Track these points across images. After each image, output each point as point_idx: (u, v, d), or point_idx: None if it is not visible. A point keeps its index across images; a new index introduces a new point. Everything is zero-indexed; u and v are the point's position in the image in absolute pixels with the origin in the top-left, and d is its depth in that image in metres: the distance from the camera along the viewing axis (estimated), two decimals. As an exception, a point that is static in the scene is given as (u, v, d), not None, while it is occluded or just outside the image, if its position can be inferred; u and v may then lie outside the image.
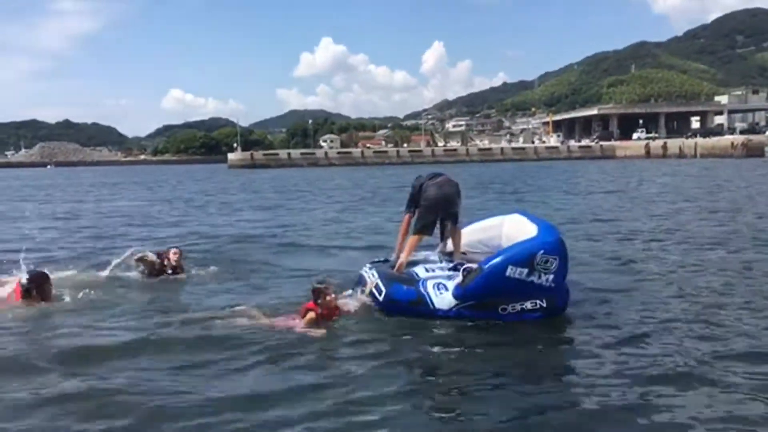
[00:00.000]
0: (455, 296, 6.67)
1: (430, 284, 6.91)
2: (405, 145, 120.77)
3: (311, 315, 6.69)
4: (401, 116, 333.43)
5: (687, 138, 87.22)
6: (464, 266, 6.95)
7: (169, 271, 9.17)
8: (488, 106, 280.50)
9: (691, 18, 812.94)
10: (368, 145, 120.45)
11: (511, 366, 5.63)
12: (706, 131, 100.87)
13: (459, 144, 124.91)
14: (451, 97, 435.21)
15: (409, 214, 7.98)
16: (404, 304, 6.91)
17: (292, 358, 5.76)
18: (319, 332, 6.46)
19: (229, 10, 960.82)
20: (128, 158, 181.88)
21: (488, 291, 6.54)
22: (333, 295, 6.87)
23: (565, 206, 21.04)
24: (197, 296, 8.32)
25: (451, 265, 7.51)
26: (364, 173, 59.70)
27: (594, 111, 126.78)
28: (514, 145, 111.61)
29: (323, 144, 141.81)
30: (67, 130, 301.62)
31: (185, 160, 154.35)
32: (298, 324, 6.66)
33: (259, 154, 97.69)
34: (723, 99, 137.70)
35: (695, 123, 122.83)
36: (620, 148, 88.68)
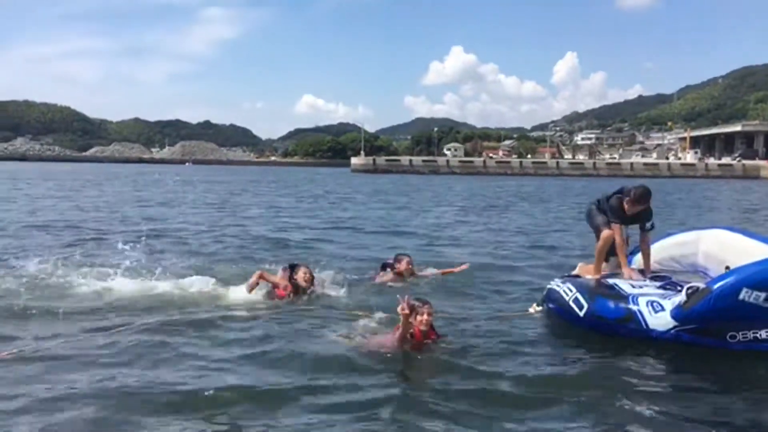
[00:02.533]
0: (675, 317, 5.97)
1: (642, 301, 6.29)
2: (529, 156, 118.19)
3: (401, 332, 6.01)
4: (528, 127, 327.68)
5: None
6: (689, 285, 6.09)
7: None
8: (621, 120, 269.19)
9: None
10: (491, 155, 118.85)
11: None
12: None
13: (586, 157, 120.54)
14: (581, 109, 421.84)
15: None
16: (611, 322, 6.35)
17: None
18: (399, 348, 5.93)
19: (362, 18, 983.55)
20: (260, 159, 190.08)
21: (716, 315, 5.75)
22: (426, 316, 6.01)
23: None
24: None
25: (659, 283, 6.98)
26: (483, 182, 58.87)
27: (737, 128, 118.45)
28: (645, 160, 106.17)
29: (447, 152, 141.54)
30: (206, 130, 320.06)
31: (312, 163, 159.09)
32: (389, 340, 6.06)
33: (381, 160, 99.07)
34: None
35: None
36: (765, 168, 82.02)
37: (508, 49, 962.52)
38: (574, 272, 7.96)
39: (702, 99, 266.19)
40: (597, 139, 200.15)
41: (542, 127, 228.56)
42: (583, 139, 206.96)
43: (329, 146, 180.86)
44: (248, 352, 6.00)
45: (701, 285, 5.91)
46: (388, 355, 5.84)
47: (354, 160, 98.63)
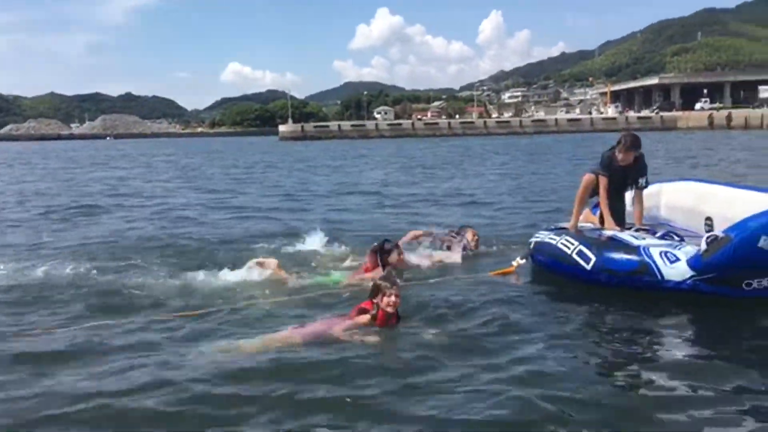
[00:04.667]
0: (693, 267, 5.86)
1: (655, 252, 6.11)
2: (457, 116, 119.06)
3: (364, 318, 5.56)
4: (457, 88, 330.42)
5: (754, 108, 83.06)
6: (709, 234, 6.01)
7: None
8: (546, 77, 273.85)
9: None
10: (419, 116, 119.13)
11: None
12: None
13: (512, 116, 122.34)
14: (507, 67, 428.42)
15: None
16: (622, 275, 6.16)
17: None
18: (371, 338, 5.33)
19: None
20: (186, 130, 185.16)
21: (736, 263, 5.69)
22: (395, 298, 5.54)
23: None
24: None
25: (659, 233, 6.86)
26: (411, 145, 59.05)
27: (655, 81, 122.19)
28: (569, 116, 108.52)
29: (377, 116, 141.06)
30: (128, 103, 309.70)
31: (240, 132, 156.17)
32: (343, 326, 5.48)
33: (309, 126, 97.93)
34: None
35: (765, 92, 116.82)
36: (682, 119, 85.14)
37: (433, 10, 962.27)
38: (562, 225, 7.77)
39: (622, 54, 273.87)
40: (523, 96, 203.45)
41: (470, 87, 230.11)
42: (510, 97, 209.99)
43: (257, 115, 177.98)
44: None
45: (720, 234, 5.84)
46: (341, 343, 5.23)
47: (282, 128, 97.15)
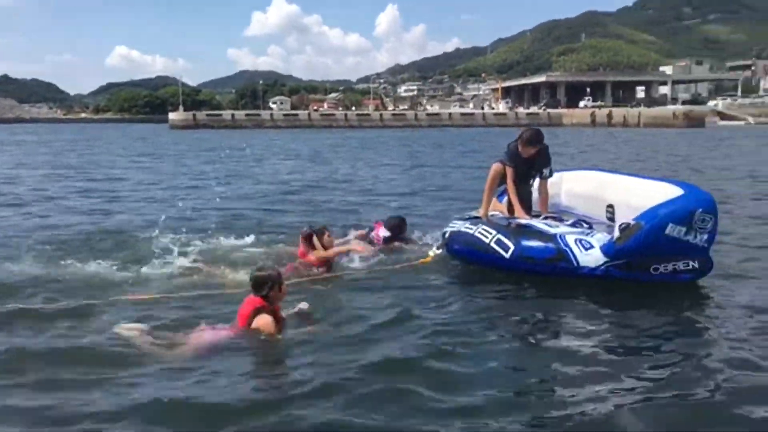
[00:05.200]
0: (606, 253, 6.17)
1: (570, 239, 6.39)
2: (354, 108, 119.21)
3: (266, 319, 4.95)
4: (354, 80, 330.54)
5: (631, 107, 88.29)
6: (621, 222, 6.35)
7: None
8: (441, 72, 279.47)
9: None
10: (315, 107, 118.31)
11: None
12: (650, 101, 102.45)
13: (408, 109, 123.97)
14: (404, 61, 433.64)
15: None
16: (540, 261, 6.39)
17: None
18: (274, 338, 4.91)
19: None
20: (68, 116, 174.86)
21: (646, 249, 6.08)
22: (285, 287, 5.23)
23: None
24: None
25: (569, 221, 7.19)
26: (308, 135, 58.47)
27: (542, 78, 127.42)
28: (462, 110, 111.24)
29: (273, 106, 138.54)
30: (5, 86, 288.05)
31: (128, 119, 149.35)
32: (241, 333, 4.93)
33: (202, 115, 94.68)
34: (668, 69, 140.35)
35: (641, 93, 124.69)
36: (567, 116, 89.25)
37: (331, 1, 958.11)
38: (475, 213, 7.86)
39: (513, 51, 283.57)
40: (419, 90, 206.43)
41: (368, 79, 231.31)
42: (406, 90, 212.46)
43: (146, 101, 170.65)
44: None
45: (631, 222, 6.17)
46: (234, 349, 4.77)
47: (172, 116, 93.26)
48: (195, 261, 7.37)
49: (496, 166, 7.67)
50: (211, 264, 7.27)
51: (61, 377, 4.30)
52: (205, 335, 4.90)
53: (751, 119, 76.93)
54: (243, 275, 6.35)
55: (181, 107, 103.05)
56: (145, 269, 7.02)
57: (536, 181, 7.74)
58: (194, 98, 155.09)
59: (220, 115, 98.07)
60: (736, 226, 9.79)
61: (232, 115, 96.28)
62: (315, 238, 7.14)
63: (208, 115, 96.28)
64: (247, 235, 8.59)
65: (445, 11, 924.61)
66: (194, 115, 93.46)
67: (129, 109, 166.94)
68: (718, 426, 3.75)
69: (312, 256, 7.10)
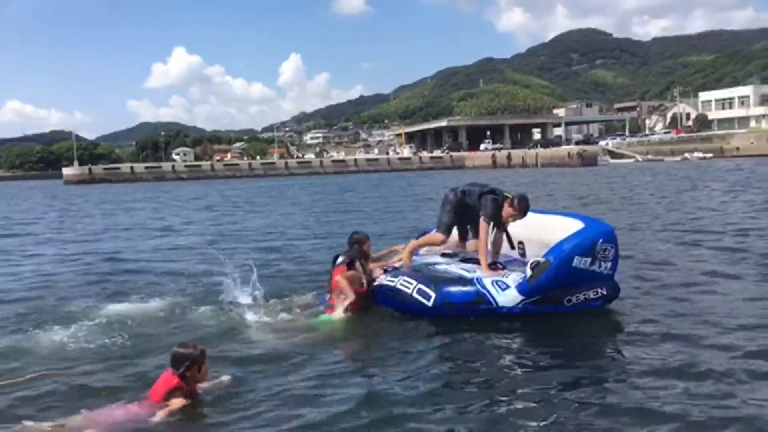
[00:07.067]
0: (522, 292, 6.54)
1: (487, 282, 6.73)
2: (259, 157, 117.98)
3: (178, 403, 4.58)
4: (259, 129, 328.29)
5: (529, 148, 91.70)
6: (531, 260, 6.68)
7: None
8: (346, 119, 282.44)
9: (533, 36, 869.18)
10: (218, 158, 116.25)
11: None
12: (546, 142, 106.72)
13: (313, 156, 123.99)
14: (309, 109, 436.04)
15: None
16: (462, 306, 6.71)
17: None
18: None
19: (73, 16, 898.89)
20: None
21: (558, 283, 6.47)
22: (205, 368, 4.87)
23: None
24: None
25: (464, 263, 7.64)
26: (212, 187, 56.99)
27: (444, 123, 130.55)
28: (367, 156, 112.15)
29: (176, 157, 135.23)
30: None
31: (20, 176, 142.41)
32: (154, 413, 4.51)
33: (98, 168, 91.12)
34: (561, 112, 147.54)
35: (537, 134, 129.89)
36: (469, 159, 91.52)
37: (232, 51, 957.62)
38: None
39: (414, 98, 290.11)
40: (324, 137, 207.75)
41: (273, 128, 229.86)
42: (312, 138, 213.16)
43: (39, 156, 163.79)
44: None
45: (541, 259, 6.54)
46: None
47: (66, 171, 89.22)
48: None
49: (486, 225, 7.47)
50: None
51: None
52: (116, 413, 4.50)
53: (639, 157, 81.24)
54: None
55: (75, 162, 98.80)
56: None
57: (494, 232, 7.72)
58: (92, 152, 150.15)
59: (119, 168, 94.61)
60: (637, 250, 10.71)
61: (131, 167, 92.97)
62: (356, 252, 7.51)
63: (105, 168, 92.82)
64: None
65: (347, 60, 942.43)
66: (90, 168, 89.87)
67: (21, 166, 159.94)
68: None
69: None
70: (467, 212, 7.82)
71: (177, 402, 4.56)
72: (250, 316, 7.15)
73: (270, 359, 5.84)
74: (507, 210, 7.41)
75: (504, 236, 7.74)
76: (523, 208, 7.38)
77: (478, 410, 4.62)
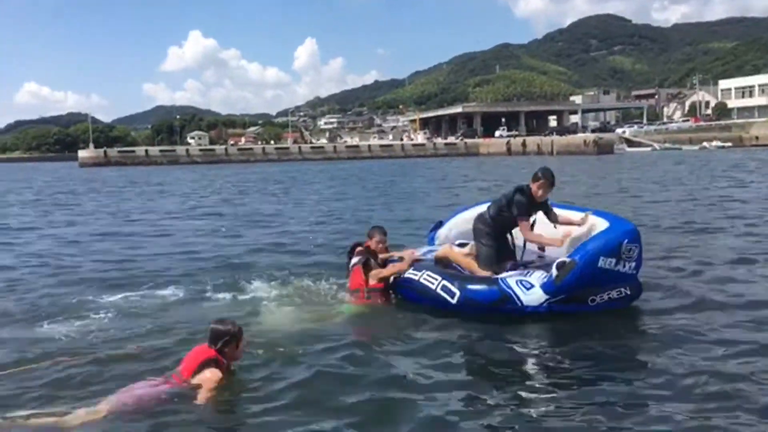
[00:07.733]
0: (547, 291, 6.58)
1: (512, 282, 6.75)
2: (273, 142, 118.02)
3: (214, 374, 4.43)
4: (274, 113, 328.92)
5: (545, 136, 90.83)
6: (558, 260, 6.73)
7: None
8: (360, 104, 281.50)
9: (550, 22, 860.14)
10: (233, 142, 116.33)
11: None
12: (562, 129, 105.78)
13: (327, 141, 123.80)
14: (323, 94, 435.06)
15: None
16: (486, 305, 6.76)
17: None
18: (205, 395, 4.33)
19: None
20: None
21: (583, 283, 6.55)
22: (242, 345, 4.81)
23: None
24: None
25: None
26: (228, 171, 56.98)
27: (459, 109, 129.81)
28: (381, 142, 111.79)
29: (191, 141, 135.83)
30: None
31: (37, 158, 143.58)
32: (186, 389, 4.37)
33: (113, 151, 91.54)
34: (577, 99, 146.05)
35: (553, 121, 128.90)
36: (483, 146, 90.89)
37: (248, 35, 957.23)
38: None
39: (430, 83, 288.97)
40: (339, 123, 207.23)
41: (287, 112, 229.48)
42: (326, 123, 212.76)
43: (56, 138, 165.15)
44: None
45: (566, 259, 6.60)
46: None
47: (82, 153, 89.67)
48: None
49: (526, 222, 7.32)
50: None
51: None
52: (137, 392, 4.32)
53: (656, 145, 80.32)
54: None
55: (91, 144, 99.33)
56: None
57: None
58: (108, 135, 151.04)
59: (134, 151, 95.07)
60: (659, 249, 10.36)
61: (146, 151, 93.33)
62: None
63: (120, 151, 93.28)
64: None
65: (362, 45, 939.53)
66: (105, 151, 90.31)
67: (38, 147, 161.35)
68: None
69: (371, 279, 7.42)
70: (505, 227, 7.57)
71: (213, 373, 4.41)
72: (274, 304, 7.32)
73: (294, 343, 5.92)
74: (535, 190, 7.32)
75: (549, 218, 7.56)
76: (547, 176, 7.28)
77: (501, 405, 4.68)
